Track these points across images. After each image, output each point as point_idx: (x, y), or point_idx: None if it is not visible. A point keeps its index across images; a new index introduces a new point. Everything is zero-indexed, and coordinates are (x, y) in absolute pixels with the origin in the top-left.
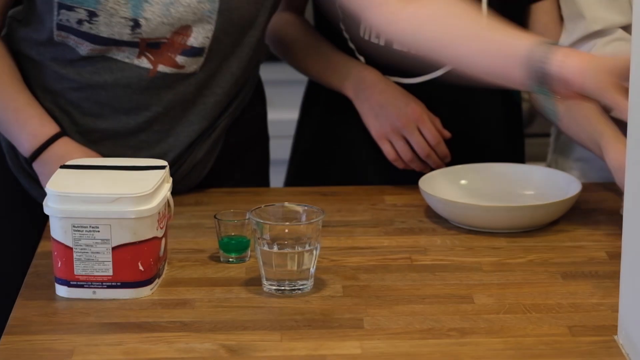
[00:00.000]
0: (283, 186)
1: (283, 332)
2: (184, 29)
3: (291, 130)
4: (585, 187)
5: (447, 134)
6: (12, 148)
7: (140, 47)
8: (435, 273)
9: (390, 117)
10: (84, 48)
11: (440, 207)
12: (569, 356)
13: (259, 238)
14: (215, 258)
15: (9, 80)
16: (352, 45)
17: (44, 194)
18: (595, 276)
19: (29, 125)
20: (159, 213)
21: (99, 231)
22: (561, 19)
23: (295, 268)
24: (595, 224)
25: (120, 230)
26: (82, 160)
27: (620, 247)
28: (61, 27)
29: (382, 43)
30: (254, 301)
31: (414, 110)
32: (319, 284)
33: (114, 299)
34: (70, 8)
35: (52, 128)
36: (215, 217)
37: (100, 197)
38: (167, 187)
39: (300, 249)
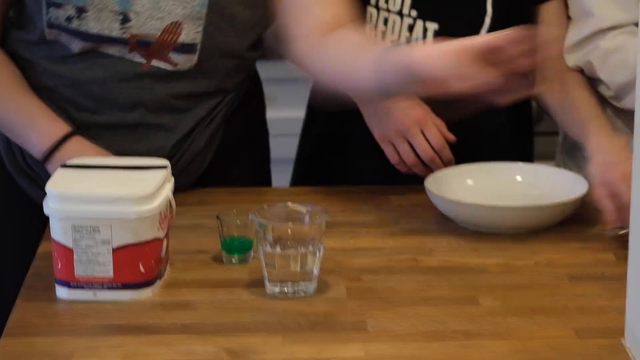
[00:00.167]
0: (289, 185)
1: (285, 335)
2: (174, 26)
3: (294, 128)
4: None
5: (452, 137)
6: (10, 149)
7: (130, 44)
8: (441, 274)
9: (394, 120)
10: (76, 45)
11: (446, 207)
12: (575, 359)
13: (261, 239)
14: (218, 259)
15: (15, 84)
16: None
17: (42, 195)
18: (603, 278)
19: (41, 126)
20: (161, 213)
21: (99, 232)
22: (566, 19)
23: (298, 269)
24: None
25: (120, 231)
26: (82, 159)
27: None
28: (51, 25)
29: (387, 44)
30: (257, 303)
31: (418, 113)
32: (323, 286)
33: (114, 301)
34: (59, 5)
35: (63, 127)
36: (217, 217)
37: (101, 197)
38: (169, 187)
39: (303, 250)
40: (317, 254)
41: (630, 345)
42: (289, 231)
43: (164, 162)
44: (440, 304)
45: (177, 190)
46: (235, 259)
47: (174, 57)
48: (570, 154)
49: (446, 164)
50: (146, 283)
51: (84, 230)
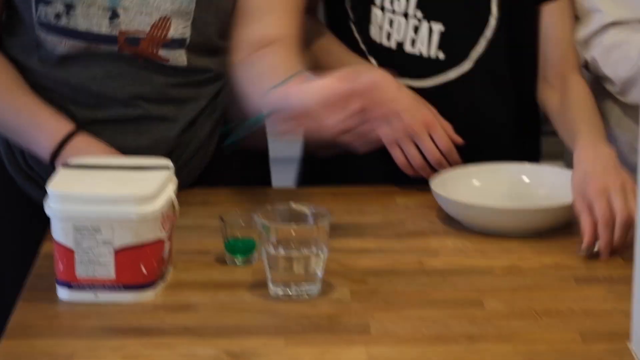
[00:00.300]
0: (295, 185)
1: (288, 337)
2: (163, 22)
3: None
4: None
5: (459, 140)
6: (10, 149)
7: (119, 42)
8: (446, 277)
9: (401, 123)
10: (63, 46)
11: (451, 209)
12: None
13: (264, 240)
14: (221, 260)
15: (14, 85)
16: (363, 47)
17: (43, 195)
18: (610, 280)
19: (46, 126)
20: (163, 214)
21: (100, 232)
22: (570, 19)
23: (302, 271)
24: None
25: (122, 232)
26: (84, 159)
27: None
28: (41, 24)
29: (392, 46)
30: (259, 305)
31: (426, 116)
32: (327, 288)
33: (116, 302)
34: (47, 2)
35: (68, 125)
36: (220, 218)
37: (102, 198)
38: (172, 187)
39: (307, 252)
40: (321, 256)
41: (636, 349)
42: (293, 232)
43: (167, 162)
44: (445, 307)
45: (179, 187)
46: (238, 260)
47: (164, 53)
48: None
49: (453, 166)
50: (148, 284)
51: (85, 231)
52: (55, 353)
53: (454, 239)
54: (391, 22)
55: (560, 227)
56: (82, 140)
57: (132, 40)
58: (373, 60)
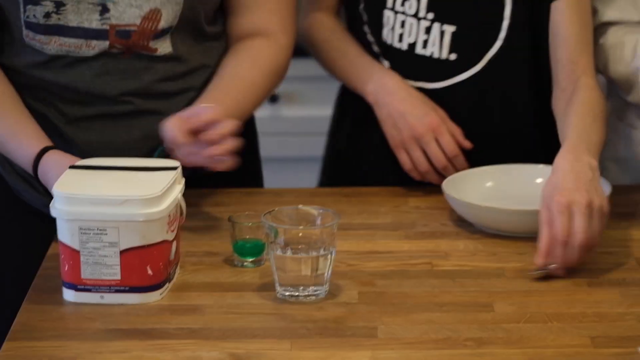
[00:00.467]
0: (317, 186)
1: (293, 341)
2: (153, 13)
3: (325, 127)
4: (618, 190)
5: (468, 144)
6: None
7: (109, 37)
8: (456, 279)
9: (408, 126)
10: (52, 46)
11: (463, 210)
12: None
13: (272, 242)
14: (229, 262)
15: (7, 103)
16: (376, 49)
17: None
18: (623, 284)
19: (20, 144)
20: (169, 215)
21: (106, 234)
22: (580, 18)
23: (309, 273)
24: (626, 229)
25: (128, 233)
26: (91, 160)
27: None
28: (29, 25)
29: (404, 47)
30: (266, 308)
31: (433, 120)
32: (335, 290)
33: (122, 304)
34: (35, 2)
35: (41, 143)
36: (229, 219)
37: (108, 199)
38: (179, 188)
39: (314, 254)
40: (329, 258)
41: None
42: (300, 234)
43: (174, 163)
44: (454, 310)
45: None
46: (247, 261)
47: (153, 44)
48: None
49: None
50: (154, 286)
51: (91, 232)
52: (57, 356)
53: (465, 240)
54: (403, 24)
55: None
56: (53, 154)
57: (123, 33)
58: (386, 63)
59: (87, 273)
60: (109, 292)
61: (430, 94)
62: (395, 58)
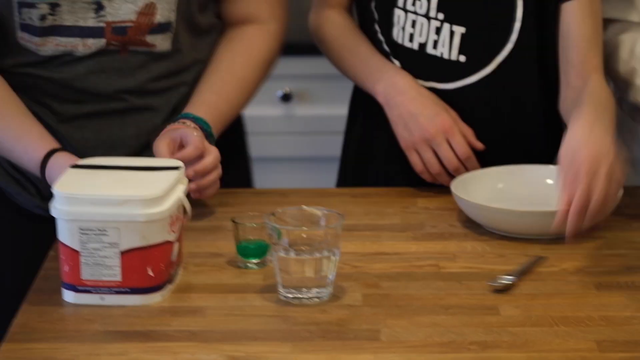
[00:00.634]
0: (335, 186)
1: (295, 343)
2: (149, 8)
3: (338, 126)
4: (629, 191)
5: (480, 145)
6: None
7: (106, 34)
8: (462, 281)
9: (419, 127)
10: (47, 47)
11: (471, 212)
12: None
13: (275, 243)
14: (233, 263)
15: (10, 107)
16: (387, 48)
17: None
18: (632, 287)
19: (26, 148)
20: (171, 216)
21: (107, 234)
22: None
23: (313, 275)
24: (636, 230)
25: (129, 234)
26: (93, 159)
27: None
28: (25, 27)
29: (415, 47)
30: (268, 310)
31: (444, 121)
32: (338, 292)
33: (122, 306)
34: (31, 5)
35: (47, 145)
36: (232, 220)
37: (108, 199)
38: (181, 188)
39: (318, 255)
40: (333, 259)
41: None
42: (304, 235)
43: (177, 162)
44: (459, 313)
45: None
46: (250, 263)
47: (150, 38)
48: None
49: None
50: (155, 288)
51: (91, 233)
52: (55, 357)
53: (473, 242)
54: (413, 24)
55: (584, 231)
56: (61, 156)
57: (119, 29)
58: (396, 62)
59: (87, 274)
60: (110, 293)
61: (441, 94)
62: (405, 58)
